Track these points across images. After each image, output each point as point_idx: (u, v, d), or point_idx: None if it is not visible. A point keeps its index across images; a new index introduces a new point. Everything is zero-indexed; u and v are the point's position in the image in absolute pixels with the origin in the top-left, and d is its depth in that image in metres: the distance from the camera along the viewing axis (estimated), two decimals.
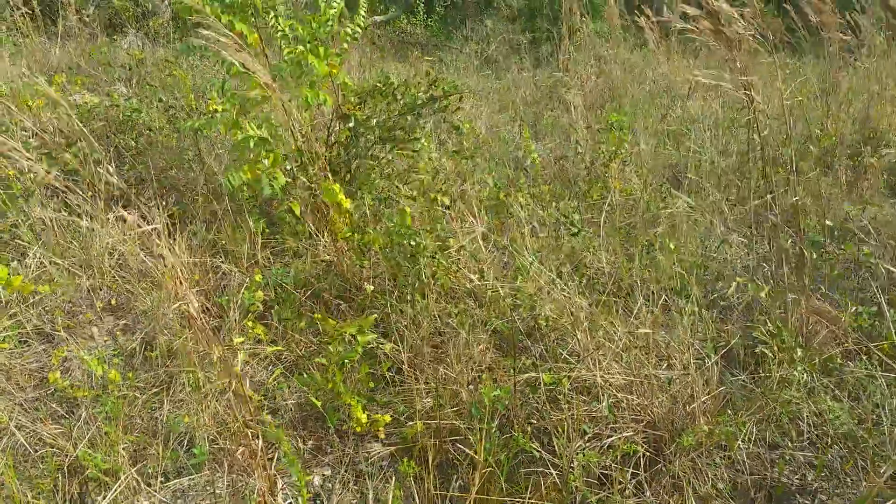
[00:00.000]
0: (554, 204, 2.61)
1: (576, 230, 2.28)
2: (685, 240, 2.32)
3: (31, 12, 5.38)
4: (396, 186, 2.50)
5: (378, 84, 2.45)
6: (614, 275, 2.12)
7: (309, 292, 2.14)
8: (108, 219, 2.45)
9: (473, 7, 7.45)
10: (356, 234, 2.15)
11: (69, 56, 5.07)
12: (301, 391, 1.78)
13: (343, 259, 2.23)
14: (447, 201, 2.37)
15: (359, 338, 1.70)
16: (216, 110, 3.14)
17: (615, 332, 1.74)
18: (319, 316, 1.78)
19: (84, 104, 3.53)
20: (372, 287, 2.04)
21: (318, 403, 1.61)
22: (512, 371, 1.70)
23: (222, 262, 2.35)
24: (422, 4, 7.53)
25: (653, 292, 1.96)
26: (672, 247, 2.06)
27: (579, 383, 1.70)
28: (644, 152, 3.17)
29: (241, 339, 1.70)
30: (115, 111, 3.27)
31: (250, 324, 1.91)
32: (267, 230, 2.43)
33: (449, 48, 6.02)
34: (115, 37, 6.18)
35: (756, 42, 1.57)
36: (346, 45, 2.51)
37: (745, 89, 1.44)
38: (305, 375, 1.80)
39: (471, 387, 1.69)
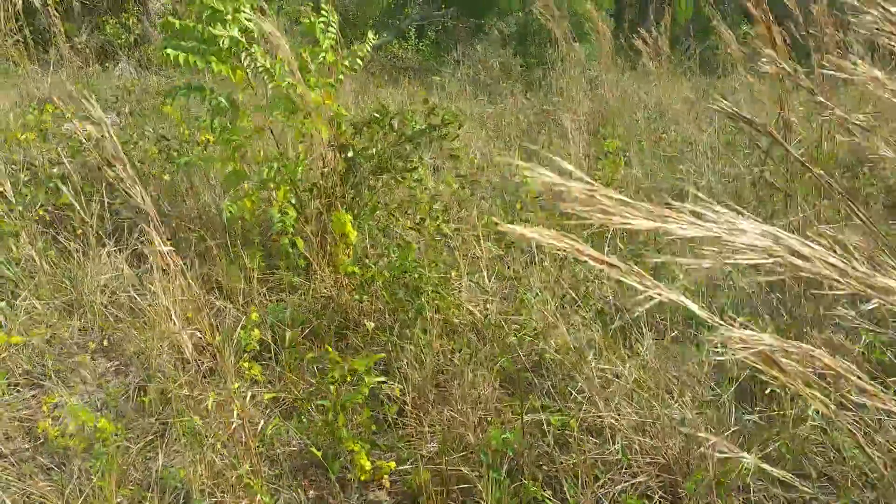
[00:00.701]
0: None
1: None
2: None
3: (23, 40, 5.36)
4: (395, 217, 2.46)
5: (375, 115, 2.43)
6: (621, 305, 2.08)
7: (307, 330, 2.09)
8: (100, 255, 2.40)
9: (464, 32, 7.51)
10: (358, 269, 2.11)
11: (61, 84, 5.03)
12: (300, 437, 1.71)
13: (343, 293, 2.18)
14: (448, 231, 2.33)
15: (366, 378, 1.65)
16: (208, 140, 3.11)
17: (624, 369, 1.69)
18: (330, 349, 1.73)
19: (75, 136, 3.48)
20: (373, 324, 1.99)
21: (319, 454, 1.54)
22: (520, 413, 1.65)
23: (216, 298, 2.29)
24: (413, 29, 7.58)
25: (661, 322, 1.91)
26: (680, 276, 2.02)
27: (589, 423, 1.65)
28: (639, 178, 3.16)
29: (237, 385, 1.64)
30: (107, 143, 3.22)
31: (246, 365, 1.85)
32: (263, 263, 2.37)
33: (441, 73, 6.03)
34: (107, 64, 6.17)
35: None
36: (341, 77, 2.50)
37: (780, 109, 1.42)
38: (304, 420, 1.74)
39: (478, 430, 1.64)
